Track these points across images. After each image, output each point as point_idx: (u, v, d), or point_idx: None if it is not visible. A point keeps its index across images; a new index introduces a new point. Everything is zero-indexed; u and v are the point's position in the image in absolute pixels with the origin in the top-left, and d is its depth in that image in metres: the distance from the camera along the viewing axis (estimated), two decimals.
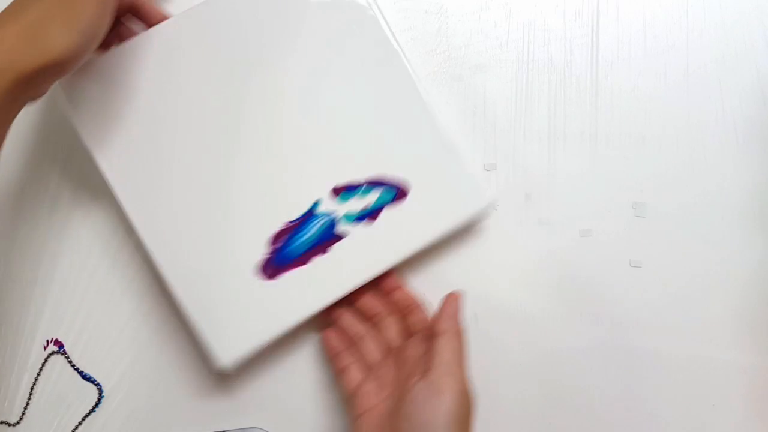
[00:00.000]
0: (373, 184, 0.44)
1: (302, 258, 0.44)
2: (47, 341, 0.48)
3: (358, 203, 0.44)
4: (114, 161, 0.44)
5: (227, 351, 0.43)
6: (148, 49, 0.44)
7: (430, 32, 0.50)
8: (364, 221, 0.44)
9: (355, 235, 0.44)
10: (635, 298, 0.49)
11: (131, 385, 0.48)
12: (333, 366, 0.44)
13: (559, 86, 0.50)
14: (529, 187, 0.49)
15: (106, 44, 0.43)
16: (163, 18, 0.43)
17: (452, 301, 0.42)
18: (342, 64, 0.44)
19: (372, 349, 0.44)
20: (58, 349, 0.48)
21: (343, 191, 0.44)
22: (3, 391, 0.48)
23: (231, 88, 0.44)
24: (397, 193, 0.44)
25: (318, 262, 0.44)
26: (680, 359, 0.49)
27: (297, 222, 0.44)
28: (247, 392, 0.48)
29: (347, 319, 0.45)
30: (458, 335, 0.40)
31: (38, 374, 0.48)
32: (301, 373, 0.48)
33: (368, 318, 0.45)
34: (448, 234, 0.45)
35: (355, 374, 0.42)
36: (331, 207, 0.44)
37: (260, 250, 0.43)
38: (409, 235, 0.44)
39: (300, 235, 0.44)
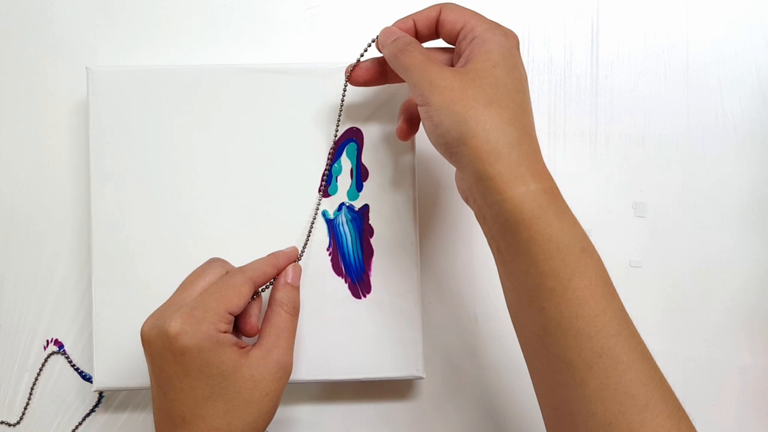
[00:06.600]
0: None
1: None
2: (47, 341, 0.48)
3: None
4: (104, 174, 0.46)
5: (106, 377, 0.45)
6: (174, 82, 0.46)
7: None
8: None
9: None
10: (635, 298, 0.49)
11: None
12: None
13: (559, 86, 0.50)
14: None
15: None
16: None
17: (288, 269, 0.42)
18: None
19: None
20: (58, 349, 0.48)
21: None
22: (3, 391, 0.48)
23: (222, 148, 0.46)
24: None
25: None
26: (680, 359, 0.49)
27: None
28: None
29: None
30: (283, 305, 0.40)
31: (38, 374, 0.48)
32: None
33: None
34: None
35: None
36: None
37: None
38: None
39: None
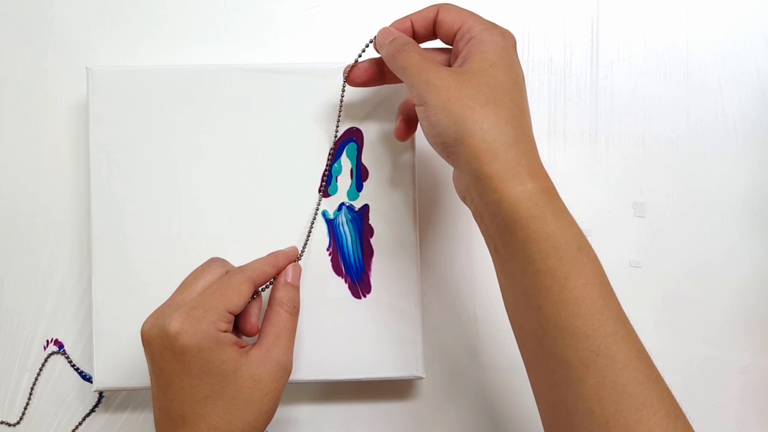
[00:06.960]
0: None
1: None
2: (47, 341, 0.48)
3: None
4: (103, 175, 0.46)
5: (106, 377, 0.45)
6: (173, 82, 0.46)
7: None
8: None
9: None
10: (635, 298, 0.49)
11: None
12: None
13: (559, 86, 0.50)
14: None
15: None
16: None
17: (288, 269, 0.42)
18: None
19: None
20: (58, 349, 0.48)
21: None
22: (3, 391, 0.48)
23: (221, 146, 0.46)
24: None
25: None
26: (679, 359, 0.49)
27: None
28: None
29: None
30: (283, 305, 0.40)
31: (38, 374, 0.48)
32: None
33: None
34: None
35: None
36: None
37: None
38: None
39: None
